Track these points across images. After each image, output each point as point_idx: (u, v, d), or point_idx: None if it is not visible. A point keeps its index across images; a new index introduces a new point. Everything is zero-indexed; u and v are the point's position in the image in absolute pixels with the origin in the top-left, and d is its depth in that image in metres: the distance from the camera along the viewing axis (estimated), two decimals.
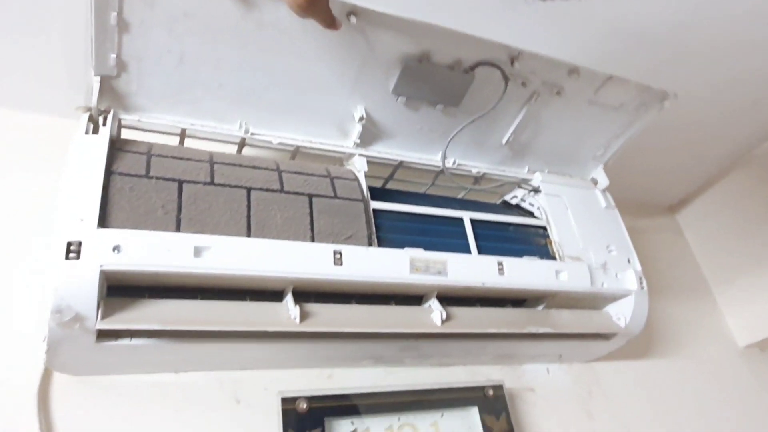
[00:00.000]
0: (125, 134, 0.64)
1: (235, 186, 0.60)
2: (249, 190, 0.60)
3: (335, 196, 0.65)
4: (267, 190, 0.61)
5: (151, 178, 0.56)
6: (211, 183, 0.59)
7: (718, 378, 1.02)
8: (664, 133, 1.03)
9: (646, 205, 1.25)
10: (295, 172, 0.66)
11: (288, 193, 0.62)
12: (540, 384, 0.83)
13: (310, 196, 0.64)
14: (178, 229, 0.54)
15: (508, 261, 0.70)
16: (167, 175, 0.57)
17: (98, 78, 0.57)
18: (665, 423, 0.90)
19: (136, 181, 0.55)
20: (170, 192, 0.56)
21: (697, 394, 0.97)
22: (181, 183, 0.57)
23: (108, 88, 0.59)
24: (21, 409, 0.55)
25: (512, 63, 0.71)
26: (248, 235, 0.57)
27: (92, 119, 0.58)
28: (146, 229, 0.53)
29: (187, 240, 0.53)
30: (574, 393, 0.86)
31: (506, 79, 0.72)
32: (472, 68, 0.70)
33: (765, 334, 1.07)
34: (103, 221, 0.51)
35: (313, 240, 0.60)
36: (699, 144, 1.11)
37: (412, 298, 0.69)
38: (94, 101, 0.58)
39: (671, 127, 1.03)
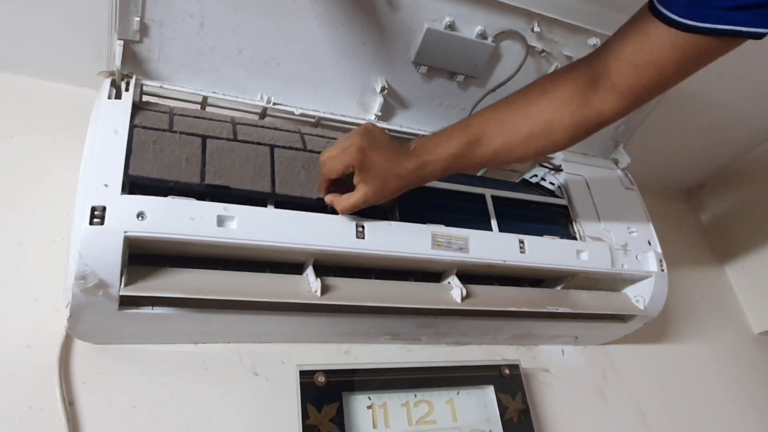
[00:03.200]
0: (147, 101, 0.63)
1: (258, 143, 0.59)
2: (272, 147, 0.59)
3: None
4: (290, 148, 0.60)
5: (175, 132, 0.56)
6: (234, 139, 0.58)
7: (732, 364, 1.02)
8: (685, 115, 1.02)
9: (664, 188, 1.24)
10: (318, 135, 0.65)
11: (312, 152, 0.61)
12: (555, 365, 0.83)
13: None
14: (202, 180, 0.54)
15: (530, 239, 0.69)
16: (190, 131, 0.56)
17: (121, 42, 0.56)
18: (678, 407, 0.90)
19: (160, 135, 0.54)
20: (194, 146, 0.55)
21: (710, 380, 0.97)
22: (204, 138, 0.56)
23: (130, 54, 0.59)
24: (42, 376, 0.55)
25: (533, 30, 0.69)
26: (272, 190, 0.57)
27: (115, 84, 0.57)
28: (170, 179, 0.52)
29: (210, 209, 0.53)
30: (589, 375, 0.86)
31: (527, 47, 0.71)
32: (494, 37, 0.69)
33: None
34: (126, 170, 0.51)
35: None
36: (719, 128, 1.09)
37: (430, 275, 0.68)
38: (117, 65, 0.57)
39: (692, 110, 1.01)
